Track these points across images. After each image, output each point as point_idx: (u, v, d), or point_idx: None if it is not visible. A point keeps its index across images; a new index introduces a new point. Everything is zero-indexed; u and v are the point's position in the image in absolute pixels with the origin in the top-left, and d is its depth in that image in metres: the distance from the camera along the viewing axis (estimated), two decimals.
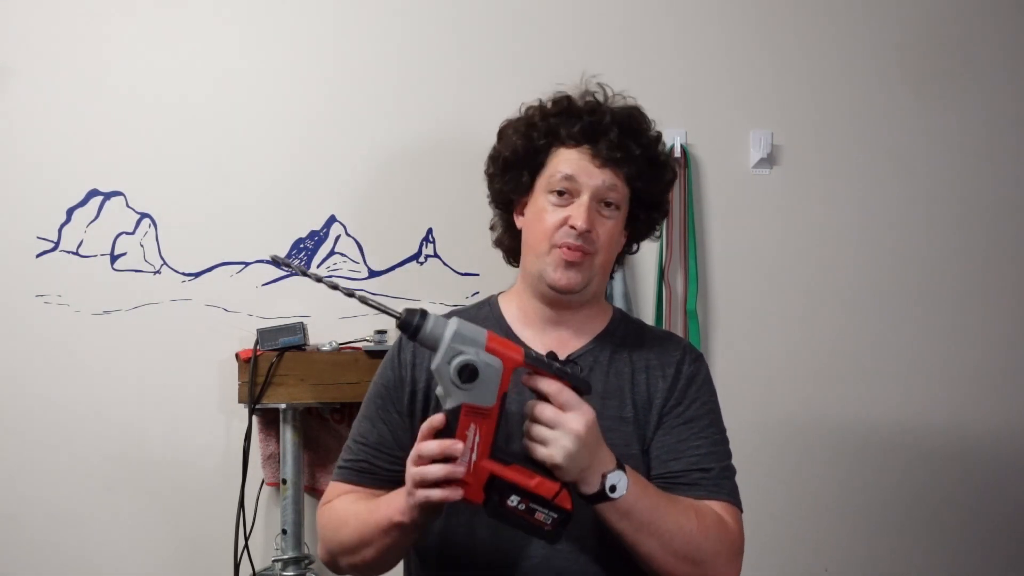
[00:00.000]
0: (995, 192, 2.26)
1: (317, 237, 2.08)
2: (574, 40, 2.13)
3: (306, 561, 1.96)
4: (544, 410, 1.02)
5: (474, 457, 0.99)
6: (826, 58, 2.21)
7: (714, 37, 2.18)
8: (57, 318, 2.01)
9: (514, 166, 1.26)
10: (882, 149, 2.23)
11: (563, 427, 1.01)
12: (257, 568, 1.99)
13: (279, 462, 1.98)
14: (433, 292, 2.08)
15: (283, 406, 1.95)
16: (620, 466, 1.06)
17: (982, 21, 2.26)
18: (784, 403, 2.19)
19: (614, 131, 1.20)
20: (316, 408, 2.02)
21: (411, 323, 1.00)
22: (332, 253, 2.09)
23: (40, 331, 2.01)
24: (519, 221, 1.28)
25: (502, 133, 1.30)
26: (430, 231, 2.10)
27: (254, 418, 1.98)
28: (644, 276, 2.15)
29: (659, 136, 1.28)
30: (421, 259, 2.11)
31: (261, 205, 2.06)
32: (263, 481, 2.02)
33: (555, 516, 1.02)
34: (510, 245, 1.32)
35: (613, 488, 1.04)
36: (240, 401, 1.95)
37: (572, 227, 1.17)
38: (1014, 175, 2.27)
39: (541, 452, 1.02)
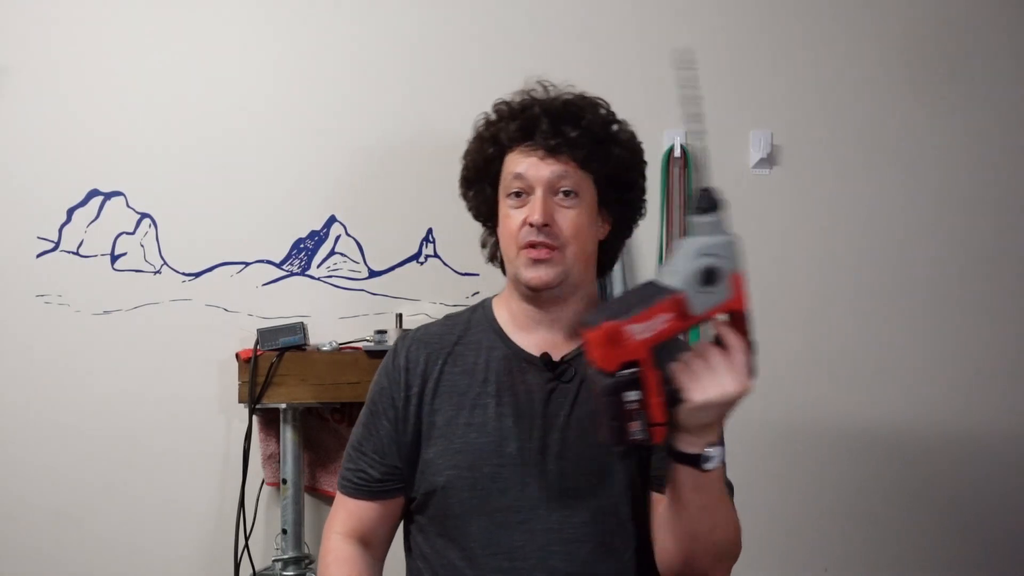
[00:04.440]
0: (996, 192, 2.26)
1: (317, 237, 2.08)
2: (575, 40, 2.13)
3: (306, 561, 1.96)
4: (716, 353, 1.00)
5: (646, 334, 0.96)
6: (826, 58, 2.21)
7: (714, 37, 2.17)
8: (57, 318, 2.02)
9: (476, 181, 1.29)
10: (882, 149, 2.23)
11: (728, 374, 0.98)
12: (257, 568, 1.99)
13: (279, 462, 1.98)
14: (433, 292, 2.09)
15: (283, 406, 1.95)
16: (722, 443, 1.05)
17: (983, 21, 2.25)
18: (784, 403, 2.19)
19: (545, 121, 1.21)
20: (316, 408, 2.02)
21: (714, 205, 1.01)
22: (332, 253, 2.09)
23: (40, 331, 2.01)
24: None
25: (463, 155, 1.32)
26: (430, 231, 2.10)
27: (254, 418, 1.98)
28: (644, 276, 2.15)
29: (607, 116, 1.27)
30: (421, 259, 2.11)
31: (261, 205, 2.07)
32: (263, 481, 2.02)
33: (641, 437, 0.98)
34: (502, 257, 1.32)
35: (708, 459, 1.03)
36: (240, 401, 1.95)
37: (530, 224, 1.18)
38: (1015, 175, 2.26)
39: (689, 383, 0.99)
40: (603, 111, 1.27)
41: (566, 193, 1.20)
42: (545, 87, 1.27)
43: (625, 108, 2.09)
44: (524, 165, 1.21)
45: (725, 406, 1.00)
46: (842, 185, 2.21)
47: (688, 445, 1.03)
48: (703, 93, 1.00)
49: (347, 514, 1.28)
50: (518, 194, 1.21)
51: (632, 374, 0.96)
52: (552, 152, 1.20)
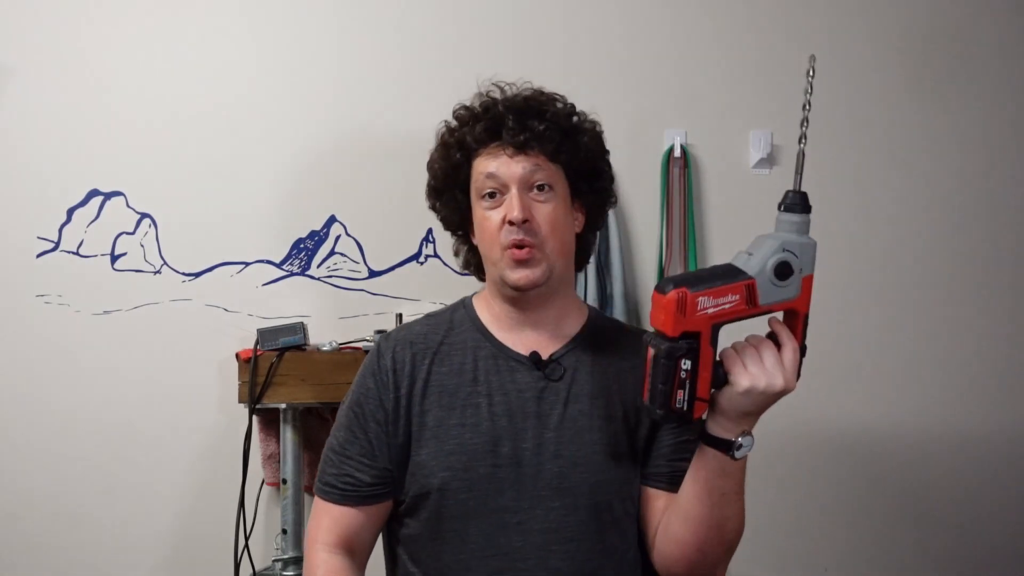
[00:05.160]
0: (995, 192, 2.26)
1: (317, 237, 2.08)
2: (576, 40, 2.12)
3: None
4: (768, 346, 1.04)
5: (712, 310, 0.99)
6: (826, 58, 2.19)
7: (714, 37, 2.18)
8: (57, 318, 2.02)
9: (445, 190, 1.28)
10: (882, 149, 2.23)
11: (776, 368, 1.03)
12: (257, 568, 1.99)
13: (279, 462, 1.98)
14: (433, 292, 2.09)
15: (283, 406, 1.95)
16: (751, 435, 1.07)
17: (983, 21, 2.25)
18: (784, 403, 2.16)
19: (510, 118, 1.21)
20: (316, 408, 2.02)
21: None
22: (332, 253, 2.09)
23: (40, 331, 2.01)
24: (475, 239, 1.28)
25: (428, 165, 1.31)
26: (430, 231, 2.10)
27: (254, 418, 1.98)
28: (644, 276, 2.15)
29: (567, 106, 1.27)
30: (421, 259, 2.11)
31: (261, 205, 2.07)
32: (263, 481, 2.02)
33: (683, 408, 1.01)
34: (477, 264, 1.31)
35: (739, 447, 1.06)
36: (240, 401, 1.95)
37: (510, 222, 1.17)
38: (1014, 175, 2.27)
39: (737, 369, 1.03)
40: (560, 104, 1.27)
41: (540, 188, 1.20)
42: (501, 87, 1.27)
43: (625, 108, 2.11)
44: (495, 164, 1.20)
45: (767, 398, 1.04)
46: (842, 185, 2.21)
47: (722, 430, 1.05)
48: (809, 99, 1.06)
49: (332, 522, 1.24)
50: (492, 195, 1.21)
51: (690, 344, 0.99)
52: (521, 148, 1.20)
